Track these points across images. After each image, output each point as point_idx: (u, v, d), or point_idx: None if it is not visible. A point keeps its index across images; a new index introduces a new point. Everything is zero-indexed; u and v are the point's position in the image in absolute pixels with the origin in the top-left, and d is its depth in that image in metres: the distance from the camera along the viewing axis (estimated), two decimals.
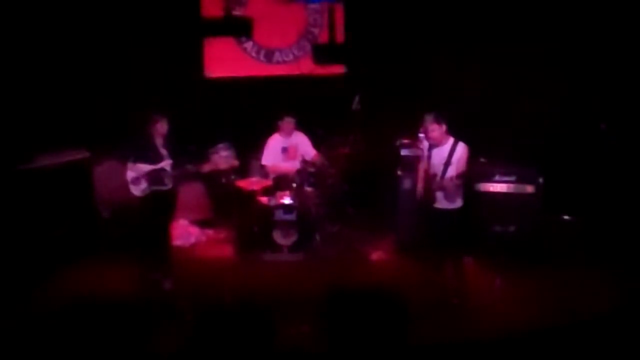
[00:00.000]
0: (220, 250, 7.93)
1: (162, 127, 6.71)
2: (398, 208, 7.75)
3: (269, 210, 7.64)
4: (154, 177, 6.65)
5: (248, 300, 5.79)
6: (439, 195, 6.32)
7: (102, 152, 7.98)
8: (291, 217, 7.57)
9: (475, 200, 7.35)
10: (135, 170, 6.62)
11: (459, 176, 6.16)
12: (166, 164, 6.71)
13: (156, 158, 6.69)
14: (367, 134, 8.74)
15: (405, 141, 7.87)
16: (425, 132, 6.42)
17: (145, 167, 6.63)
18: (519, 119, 8.22)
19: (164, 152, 6.75)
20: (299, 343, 4.96)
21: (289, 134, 8.11)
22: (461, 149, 6.25)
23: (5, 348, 4.92)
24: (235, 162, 7.47)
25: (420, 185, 6.58)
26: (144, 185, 6.64)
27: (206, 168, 7.06)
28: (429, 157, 6.39)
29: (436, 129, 6.27)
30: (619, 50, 7.95)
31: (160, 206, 6.74)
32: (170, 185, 6.78)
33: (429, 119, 6.32)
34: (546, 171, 7.42)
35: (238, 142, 8.39)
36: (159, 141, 6.75)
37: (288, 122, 8.04)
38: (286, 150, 8.11)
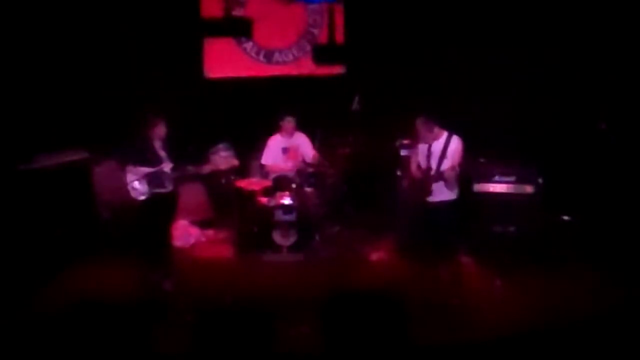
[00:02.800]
0: (220, 251, 7.92)
1: (160, 129, 6.68)
2: (398, 208, 7.75)
3: (268, 211, 7.64)
4: (154, 180, 6.64)
5: (248, 301, 5.79)
6: (435, 187, 6.37)
7: (102, 152, 7.98)
8: (291, 217, 7.57)
9: (475, 200, 7.36)
10: (135, 173, 6.61)
11: (457, 165, 6.24)
12: (166, 166, 6.69)
13: (155, 160, 6.67)
14: (367, 134, 8.75)
15: (405, 141, 7.88)
16: (418, 136, 6.48)
17: (145, 170, 6.62)
18: (518, 119, 8.22)
19: (162, 154, 6.73)
20: (299, 344, 4.96)
21: (290, 134, 8.11)
22: (455, 141, 6.37)
23: (6, 348, 4.92)
24: (236, 162, 7.47)
25: (412, 179, 6.60)
26: (144, 188, 6.63)
27: (206, 169, 7.05)
28: (422, 152, 6.45)
29: (427, 132, 6.39)
30: (619, 50, 7.95)
31: (161, 208, 6.72)
32: (170, 188, 6.75)
33: (419, 123, 6.40)
34: (546, 171, 7.42)
35: (238, 142, 8.41)
36: (157, 143, 6.73)
37: (289, 121, 8.05)
38: (287, 150, 8.12)
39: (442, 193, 6.41)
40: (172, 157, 6.75)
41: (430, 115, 6.46)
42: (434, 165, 6.36)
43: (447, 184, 6.36)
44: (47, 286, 6.51)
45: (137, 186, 6.59)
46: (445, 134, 6.39)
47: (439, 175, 6.32)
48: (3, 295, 6.20)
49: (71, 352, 2.60)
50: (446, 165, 6.29)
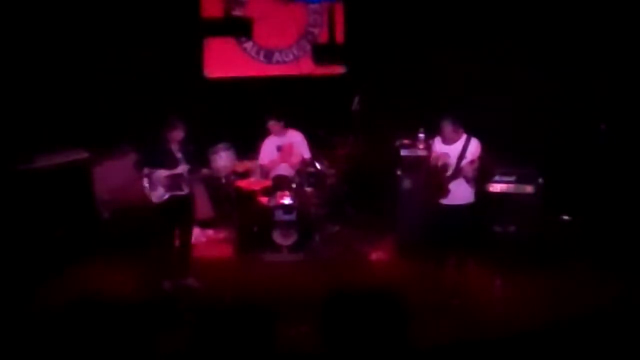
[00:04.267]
0: (220, 251, 7.92)
1: (179, 132, 6.61)
2: (398, 208, 7.75)
3: (268, 211, 7.64)
4: (172, 183, 6.58)
5: (248, 301, 5.78)
6: (452, 188, 6.28)
7: (102, 152, 7.97)
8: (291, 217, 7.57)
9: (475, 200, 7.34)
10: (153, 176, 6.55)
11: (476, 159, 6.19)
12: (182, 169, 6.64)
13: (173, 163, 6.62)
14: (367, 134, 8.74)
15: (405, 141, 7.87)
16: (443, 136, 6.40)
17: (162, 173, 6.57)
18: (518, 120, 8.22)
19: (179, 156, 6.67)
20: (299, 343, 4.96)
21: (282, 134, 8.05)
22: (475, 143, 6.30)
23: (6, 348, 4.93)
24: (252, 165, 7.45)
25: (429, 181, 6.54)
26: (161, 191, 6.57)
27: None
28: (441, 153, 6.37)
29: (452, 133, 6.31)
30: (619, 50, 7.95)
31: (178, 211, 6.68)
32: (187, 190, 6.70)
33: (445, 124, 6.32)
34: (546, 171, 7.42)
35: (238, 142, 8.40)
36: (174, 146, 6.67)
37: (273, 124, 7.98)
38: (281, 148, 8.05)
39: (458, 195, 6.31)
40: (189, 160, 6.72)
41: (457, 117, 6.36)
42: (452, 166, 6.30)
43: (467, 180, 6.24)
44: (47, 286, 6.51)
45: (154, 188, 6.56)
46: (464, 136, 6.31)
47: (458, 173, 6.25)
48: (3, 295, 6.20)
49: (71, 352, 2.59)
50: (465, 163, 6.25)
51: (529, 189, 7.35)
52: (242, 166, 7.35)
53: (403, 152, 7.79)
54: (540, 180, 7.34)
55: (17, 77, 7.58)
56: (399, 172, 7.74)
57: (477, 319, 5.91)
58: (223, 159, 7.55)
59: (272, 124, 8.00)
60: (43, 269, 6.79)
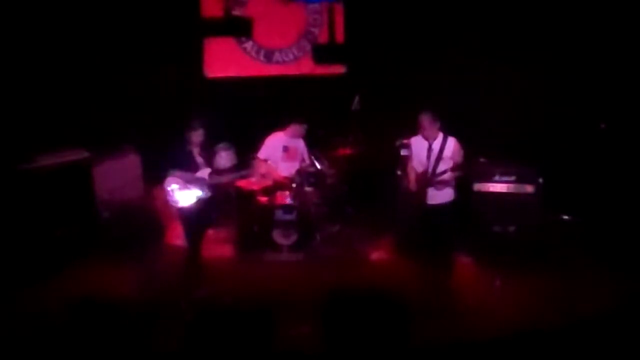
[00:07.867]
0: (220, 250, 7.92)
1: (198, 136, 6.59)
2: (398, 208, 7.75)
3: (269, 210, 7.64)
4: (195, 187, 6.56)
5: (248, 300, 5.78)
6: (431, 191, 6.34)
7: (102, 152, 7.97)
8: (291, 217, 7.57)
9: (475, 200, 7.36)
10: (177, 180, 6.52)
11: (456, 168, 6.21)
12: (204, 172, 6.63)
13: (194, 167, 6.60)
14: (367, 134, 8.75)
15: (405, 141, 7.87)
16: (423, 130, 6.41)
17: (187, 177, 6.55)
18: (518, 119, 8.22)
19: (200, 160, 6.66)
20: (299, 344, 4.95)
21: (295, 137, 8.02)
22: (452, 143, 6.31)
23: (5, 348, 4.92)
24: (269, 182, 7.47)
25: (411, 184, 6.58)
26: (185, 195, 6.54)
27: (240, 182, 7.19)
28: (418, 154, 6.41)
29: (430, 128, 6.31)
30: (619, 50, 7.95)
31: (199, 214, 6.66)
32: (209, 194, 6.67)
33: (424, 118, 6.33)
34: (546, 171, 7.42)
35: (238, 142, 8.39)
36: (196, 150, 6.65)
37: (303, 127, 7.88)
38: (287, 149, 7.99)
39: (438, 196, 6.38)
40: (209, 164, 6.71)
41: (435, 111, 6.37)
42: (430, 168, 6.32)
43: (442, 187, 6.31)
44: (47, 286, 6.51)
45: (179, 194, 6.55)
46: (441, 136, 6.33)
47: (435, 178, 6.27)
48: (3, 295, 6.20)
49: (71, 352, 2.60)
50: (442, 167, 6.26)
51: (529, 188, 7.36)
52: (269, 180, 7.45)
53: (403, 152, 7.79)
54: (540, 180, 7.34)
55: (17, 77, 7.58)
56: (399, 172, 7.74)
57: (477, 319, 5.90)
58: (223, 159, 7.53)
59: (303, 127, 7.87)
60: (43, 269, 6.79)
